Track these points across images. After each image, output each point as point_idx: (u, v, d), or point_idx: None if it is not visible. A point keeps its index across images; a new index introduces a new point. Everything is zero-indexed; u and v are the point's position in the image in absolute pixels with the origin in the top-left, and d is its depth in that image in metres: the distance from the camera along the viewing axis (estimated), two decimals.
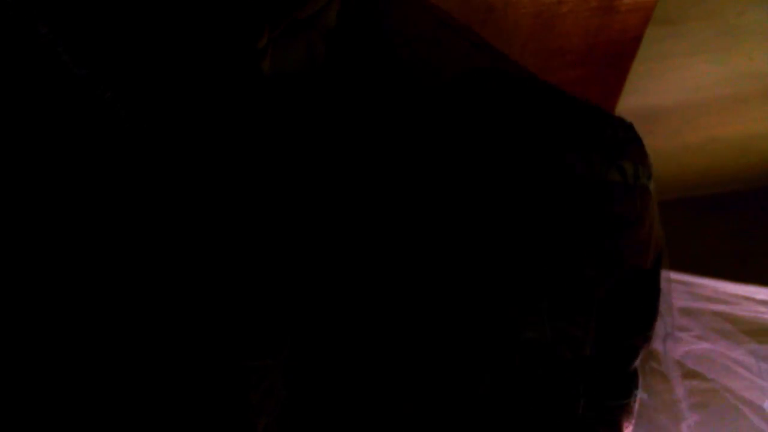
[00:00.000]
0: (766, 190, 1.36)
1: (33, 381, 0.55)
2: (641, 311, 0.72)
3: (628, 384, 0.72)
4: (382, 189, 0.66)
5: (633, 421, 0.73)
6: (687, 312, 0.99)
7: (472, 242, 0.65)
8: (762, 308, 1.00)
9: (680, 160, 1.29)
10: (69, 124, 0.56)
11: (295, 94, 0.64)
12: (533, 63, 0.89)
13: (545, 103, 0.69)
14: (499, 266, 0.65)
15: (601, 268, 0.67)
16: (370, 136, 0.67)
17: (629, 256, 0.69)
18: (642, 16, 0.87)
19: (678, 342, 0.93)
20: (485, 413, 0.66)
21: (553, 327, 0.65)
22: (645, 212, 0.68)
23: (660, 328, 0.76)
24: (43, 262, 0.55)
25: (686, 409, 0.90)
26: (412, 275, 0.65)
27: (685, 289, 1.02)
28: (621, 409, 0.72)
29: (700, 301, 1.00)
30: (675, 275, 0.96)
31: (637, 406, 0.73)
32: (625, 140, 0.68)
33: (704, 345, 0.95)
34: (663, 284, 0.76)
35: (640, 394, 0.73)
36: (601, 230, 0.66)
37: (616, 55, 0.92)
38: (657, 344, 0.81)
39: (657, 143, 1.22)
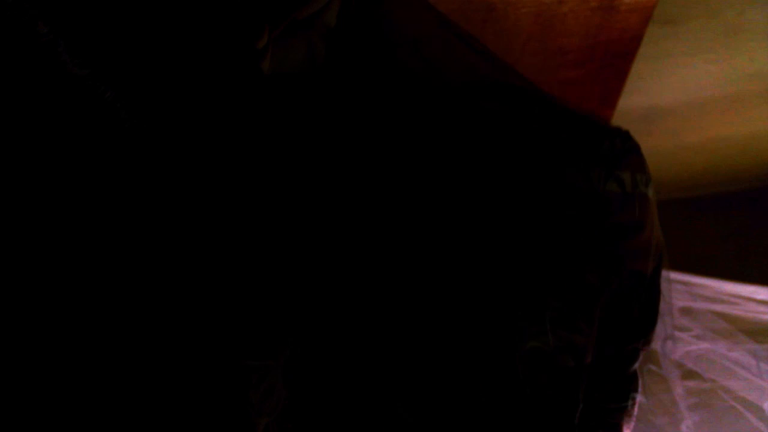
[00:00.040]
0: (766, 190, 1.36)
1: (33, 381, 0.55)
2: (642, 316, 0.73)
3: (628, 387, 0.73)
4: (382, 190, 0.66)
5: (632, 423, 0.73)
6: (687, 312, 0.99)
7: (475, 253, 0.66)
8: (762, 308, 1.00)
9: (680, 160, 1.29)
10: (69, 124, 0.56)
11: (295, 94, 0.64)
12: (533, 63, 0.89)
13: (545, 117, 0.70)
14: (501, 277, 0.66)
15: (602, 275, 0.68)
16: (370, 137, 0.67)
17: (630, 262, 0.70)
18: (642, 15, 0.87)
19: (677, 342, 0.93)
20: (485, 418, 0.66)
21: (556, 336, 0.65)
22: (645, 219, 0.70)
23: (660, 329, 0.76)
24: (43, 262, 0.55)
25: (685, 410, 0.90)
26: (414, 281, 0.66)
27: (685, 289, 1.02)
28: (621, 411, 0.72)
29: (700, 301, 1.00)
30: (675, 275, 0.96)
31: (636, 408, 0.74)
32: (623, 151, 0.70)
33: (704, 345, 0.95)
34: (663, 285, 0.76)
35: (639, 397, 0.74)
36: (601, 239, 0.68)
37: (616, 55, 0.92)
38: (656, 345, 0.81)
39: (657, 143, 1.22)
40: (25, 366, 0.55)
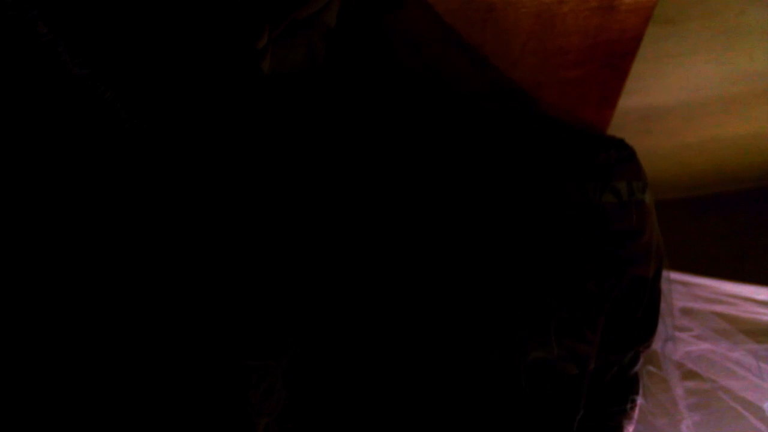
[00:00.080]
0: (766, 190, 1.36)
1: (33, 381, 0.55)
2: (644, 320, 0.74)
3: (629, 389, 0.73)
4: (382, 190, 0.66)
5: (633, 425, 0.74)
6: (687, 312, 0.99)
7: (477, 265, 0.67)
8: (762, 308, 1.00)
9: (680, 160, 1.29)
10: (69, 124, 0.56)
11: (295, 94, 0.64)
12: (533, 63, 0.89)
13: (542, 132, 0.72)
14: (504, 287, 0.67)
15: (603, 282, 0.69)
16: (370, 137, 0.67)
17: (632, 268, 0.71)
18: (642, 15, 0.87)
19: (677, 342, 0.92)
20: (485, 423, 0.67)
21: (560, 345, 0.66)
22: (643, 225, 0.71)
23: (660, 329, 0.76)
24: (43, 262, 0.55)
25: (685, 410, 0.90)
26: (416, 285, 0.66)
27: (685, 290, 1.02)
28: (622, 414, 0.73)
29: (700, 302, 1.00)
30: (675, 275, 0.96)
31: (637, 410, 0.74)
32: (618, 161, 0.72)
33: (704, 345, 0.95)
34: (663, 285, 0.77)
35: (639, 399, 0.74)
36: (600, 248, 0.69)
37: (616, 55, 0.92)
38: (656, 345, 0.81)
39: (657, 143, 1.22)
40: (25, 366, 0.55)
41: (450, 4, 0.76)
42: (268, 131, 0.62)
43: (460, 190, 0.68)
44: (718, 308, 1.00)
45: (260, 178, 0.61)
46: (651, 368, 0.90)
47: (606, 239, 0.70)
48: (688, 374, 0.93)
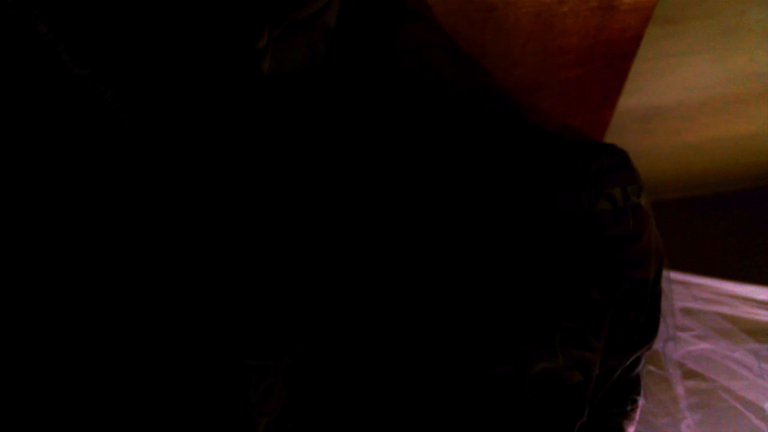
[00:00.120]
0: (766, 190, 1.36)
1: (33, 381, 0.55)
2: (646, 323, 0.74)
3: (631, 391, 0.73)
4: (383, 191, 0.66)
5: (634, 425, 0.74)
6: (687, 312, 0.99)
7: (478, 281, 0.68)
8: (763, 308, 1.00)
9: (680, 160, 1.29)
10: (69, 124, 0.56)
11: (295, 94, 0.64)
12: (533, 63, 0.89)
13: (534, 145, 0.73)
14: (506, 303, 0.67)
15: (605, 289, 0.69)
16: (370, 137, 0.67)
17: (632, 272, 0.71)
18: (642, 15, 0.87)
19: (678, 342, 0.93)
20: (487, 424, 0.67)
21: (566, 355, 0.67)
22: (640, 228, 0.72)
23: (661, 329, 0.76)
24: (43, 262, 0.55)
25: (685, 409, 0.90)
26: (417, 289, 0.66)
27: (686, 290, 1.02)
28: (623, 416, 0.73)
29: (701, 302, 1.00)
30: (675, 275, 0.96)
31: (639, 411, 0.74)
32: (610, 167, 0.72)
33: (704, 345, 0.95)
34: (664, 285, 0.77)
35: (641, 400, 0.74)
36: (600, 256, 0.69)
37: (616, 55, 0.92)
38: (657, 345, 0.81)
39: (657, 142, 1.22)
40: (25, 366, 0.55)
41: (450, 4, 0.76)
42: (268, 131, 0.62)
43: (459, 199, 0.69)
44: (719, 308, 1.00)
45: (260, 178, 0.61)
46: (652, 368, 0.90)
47: (604, 247, 0.70)
48: (689, 374, 0.93)
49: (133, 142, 0.57)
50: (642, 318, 0.73)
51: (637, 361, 0.74)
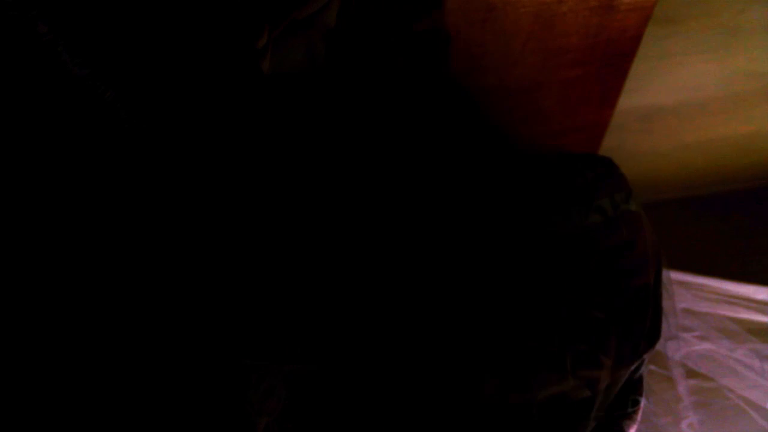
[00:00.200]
0: (766, 190, 1.36)
1: (33, 381, 0.55)
2: (648, 326, 0.74)
3: (633, 392, 0.73)
4: (382, 191, 0.66)
5: (636, 426, 0.74)
6: (689, 312, 0.99)
7: (476, 311, 0.68)
8: (763, 308, 1.00)
9: (680, 160, 1.29)
10: (69, 123, 0.55)
11: (295, 94, 0.64)
12: (533, 62, 0.89)
13: (523, 169, 0.73)
14: (516, 335, 0.67)
15: (607, 306, 0.69)
16: (370, 136, 0.67)
17: (631, 279, 0.71)
18: (642, 15, 0.87)
19: (680, 342, 0.92)
20: (488, 427, 0.67)
21: (576, 376, 0.66)
22: (634, 235, 0.72)
23: (663, 329, 0.76)
24: (43, 262, 0.55)
25: (687, 408, 0.90)
26: (418, 294, 0.66)
27: (687, 290, 1.02)
28: (625, 417, 0.73)
29: (702, 301, 1.00)
30: (676, 275, 0.96)
31: (640, 412, 0.74)
32: (596, 179, 0.72)
33: (706, 345, 0.95)
34: (665, 285, 0.77)
35: (643, 400, 0.74)
36: (596, 272, 0.69)
37: (616, 55, 0.92)
38: (659, 345, 0.81)
39: (656, 143, 1.22)
40: (25, 365, 0.55)
41: (450, 4, 0.76)
42: (268, 131, 0.62)
43: (462, 190, 0.69)
44: (720, 308, 1.00)
45: (260, 178, 0.61)
46: (654, 367, 0.90)
47: (601, 260, 0.70)
48: (691, 373, 0.93)
49: (133, 142, 0.57)
50: (647, 323, 0.73)
51: (639, 366, 0.74)
